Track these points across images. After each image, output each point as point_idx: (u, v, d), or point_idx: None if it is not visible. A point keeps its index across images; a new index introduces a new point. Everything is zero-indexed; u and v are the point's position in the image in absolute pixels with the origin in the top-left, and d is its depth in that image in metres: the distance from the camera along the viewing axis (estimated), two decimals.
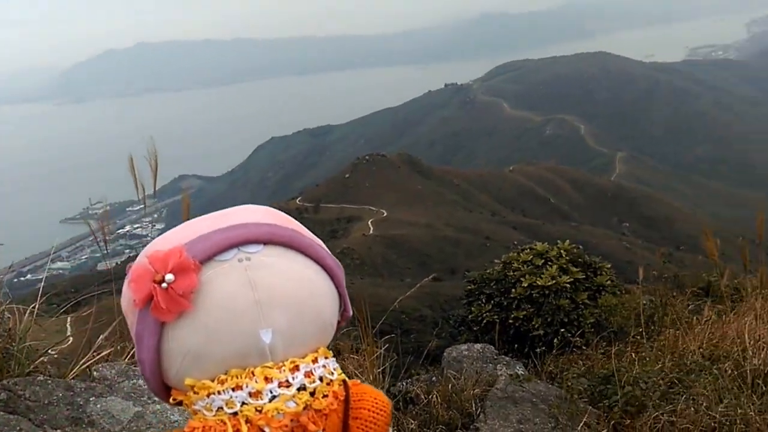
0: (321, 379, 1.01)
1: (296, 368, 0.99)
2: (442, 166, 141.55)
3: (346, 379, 1.05)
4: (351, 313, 1.15)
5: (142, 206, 3.09)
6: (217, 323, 0.95)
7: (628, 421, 2.82)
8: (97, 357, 2.85)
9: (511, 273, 5.14)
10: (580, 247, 5.45)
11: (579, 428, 2.90)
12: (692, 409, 2.60)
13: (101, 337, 3.04)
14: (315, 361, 1.02)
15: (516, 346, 4.78)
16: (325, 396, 1.00)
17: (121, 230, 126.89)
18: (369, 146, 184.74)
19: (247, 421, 0.94)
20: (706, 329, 3.92)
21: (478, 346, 4.17)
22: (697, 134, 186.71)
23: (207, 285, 0.96)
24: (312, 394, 0.99)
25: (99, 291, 4.62)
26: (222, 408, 0.96)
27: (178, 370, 0.99)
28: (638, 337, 3.89)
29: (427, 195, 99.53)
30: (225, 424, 0.94)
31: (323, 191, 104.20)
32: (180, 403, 1.02)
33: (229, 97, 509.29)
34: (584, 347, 4.14)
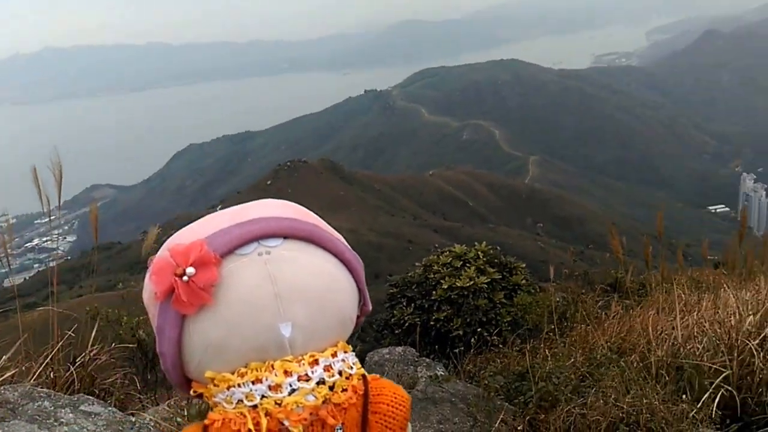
0: (340, 373, 1.02)
1: (316, 362, 1.00)
2: (364, 171, 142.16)
3: (366, 373, 1.06)
4: (370, 307, 1.15)
5: (50, 219, 2.96)
6: (238, 317, 0.96)
7: (543, 415, 2.91)
8: (0, 379, 2.70)
9: (432, 275, 5.21)
10: (497, 248, 5.59)
11: (496, 425, 2.96)
12: (601, 401, 2.70)
13: (4, 357, 2.88)
14: (334, 355, 1.02)
15: (437, 347, 4.84)
16: (344, 390, 1.01)
17: (29, 243, 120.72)
18: (291, 152, 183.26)
19: (266, 414, 0.95)
20: (614, 324, 4.10)
21: (399, 349, 4.19)
22: (604, 137, 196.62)
23: (227, 279, 0.97)
24: (331, 388, 1.00)
25: (3, 309, 4.32)
26: (242, 401, 0.97)
27: (199, 363, 1.00)
28: (551, 334, 4.02)
29: (350, 200, 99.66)
30: (245, 416, 0.95)
31: (244, 199, 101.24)
32: (200, 396, 1.03)
33: (144, 103, 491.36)
34: (501, 345, 4.24)
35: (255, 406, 0.96)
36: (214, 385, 0.99)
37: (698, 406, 2.71)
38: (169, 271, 0.95)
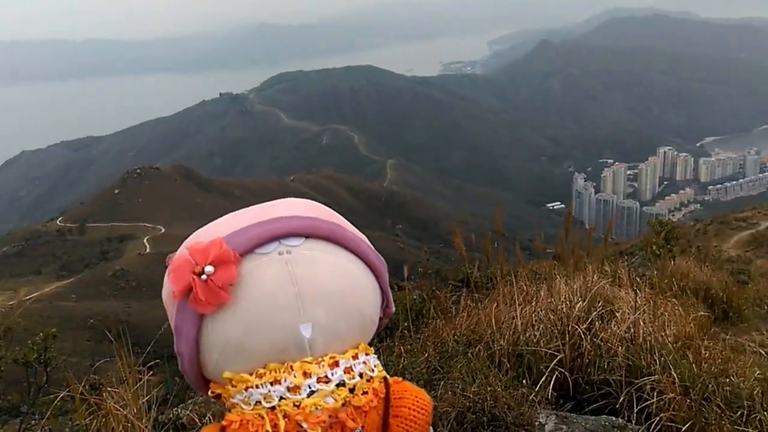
0: (361, 375, 0.99)
1: (336, 364, 0.97)
2: (222, 177, 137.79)
3: (387, 376, 1.04)
4: (393, 309, 1.13)
5: None
6: (257, 316, 0.94)
7: None
8: None
9: None
10: None
11: None
12: (450, 392, 2.84)
13: None
14: (355, 357, 1.00)
15: None
16: (364, 393, 0.98)
17: None
18: (140, 159, 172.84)
19: (284, 416, 0.93)
20: (463, 317, 4.32)
21: None
22: (453, 142, 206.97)
23: (247, 278, 0.95)
24: (351, 390, 0.97)
25: None
26: (260, 402, 0.95)
27: (217, 363, 0.98)
28: (406, 331, 4.15)
29: (208, 208, 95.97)
30: (263, 418, 0.93)
31: (89, 210, 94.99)
32: (218, 396, 1.01)
33: None
34: None
35: (273, 408, 0.94)
36: (232, 386, 0.97)
37: (536, 389, 2.93)
38: (188, 270, 0.94)
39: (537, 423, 2.74)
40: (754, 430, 2.61)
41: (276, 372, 0.95)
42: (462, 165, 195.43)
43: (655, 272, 6.60)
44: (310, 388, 0.95)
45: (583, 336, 3.19)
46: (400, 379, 1.06)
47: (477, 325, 4.04)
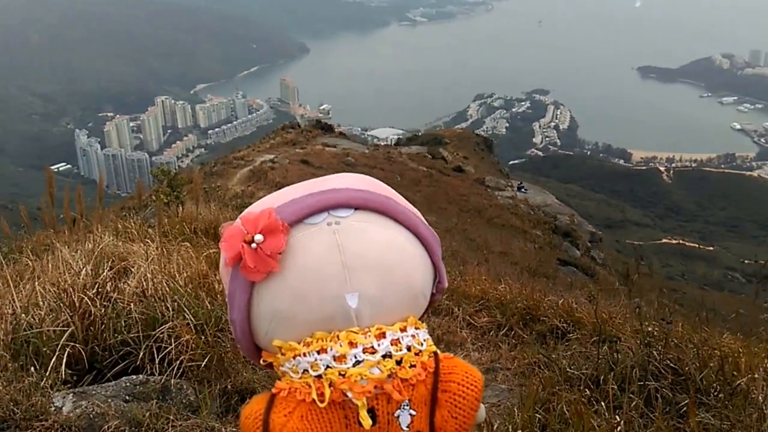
0: (409, 348, 0.99)
1: (382, 335, 0.97)
2: None
3: (438, 351, 1.03)
4: (446, 284, 1.12)
5: None
6: (304, 285, 0.95)
7: None
8: None
9: None
10: None
11: None
12: None
13: None
14: (403, 329, 1.00)
15: None
16: (412, 366, 0.98)
17: None
18: None
19: (330, 385, 0.94)
20: None
21: None
22: None
23: (295, 247, 0.96)
24: (398, 362, 0.97)
25: None
26: (307, 370, 0.96)
27: (267, 331, 0.99)
28: None
29: None
30: (309, 386, 0.94)
31: None
32: (270, 366, 1.02)
33: None
34: None
35: (319, 377, 0.95)
36: (282, 354, 0.98)
37: (47, 373, 2.61)
38: (239, 238, 0.95)
39: (53, 408, 2.46)
40: None
41: (322, 341, 0.95)
42: None
43: (166, 220, 6.69)
44: (355, 357, 0.95)
45: (91, 302, 2.97)
46: (451, 355, 1.05)
47: None
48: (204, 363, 2.66)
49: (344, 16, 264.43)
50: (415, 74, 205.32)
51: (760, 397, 2.50)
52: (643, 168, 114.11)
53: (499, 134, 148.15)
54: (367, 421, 0.94)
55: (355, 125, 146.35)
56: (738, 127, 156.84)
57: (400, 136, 66.57)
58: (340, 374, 0.94)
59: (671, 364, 2.86)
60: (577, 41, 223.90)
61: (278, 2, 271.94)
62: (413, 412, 0.98)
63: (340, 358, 0.95)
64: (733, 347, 3.07)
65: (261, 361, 1.05)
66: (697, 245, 63.67)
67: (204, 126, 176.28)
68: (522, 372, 3.52)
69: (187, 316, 2.88)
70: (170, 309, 2.94)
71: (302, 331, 0.97)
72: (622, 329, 3.53)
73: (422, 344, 1.01)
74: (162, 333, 2.82)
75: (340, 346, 0.95)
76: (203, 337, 2.78)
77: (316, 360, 0.95)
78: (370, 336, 0.96)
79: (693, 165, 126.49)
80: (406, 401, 0.98)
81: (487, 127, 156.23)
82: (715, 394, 2.67)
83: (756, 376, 2.66)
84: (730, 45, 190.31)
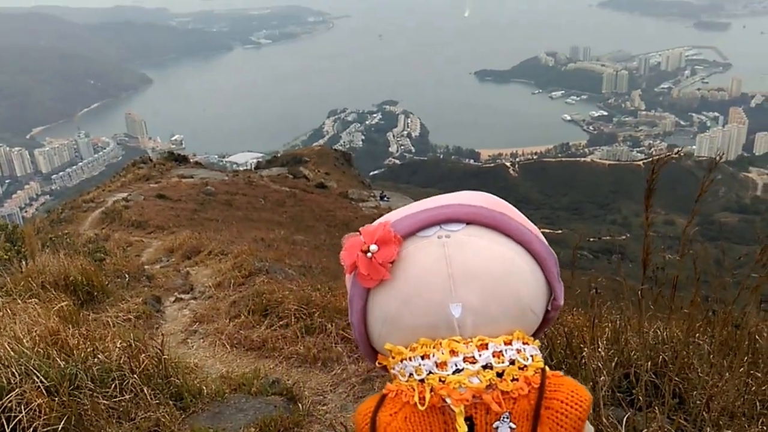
0: (513, 362, 1.00)
1: (484, 346, 0.99)
2: None
3: (546, 368, 1.04)
4: (561, 302, 1.14)
5: None
6: (411, 293, 1.00)
7: None
8: None
9: None
10: None
11: None
12: None
13: None
14: (508, 342, 1.02)
15: None
16: (514, 379, 0.99)
17: None
18: None
19: (431, 390, 0.97)
20: None
21: None
22: None
23: (406, 258, 1.02)
24: (500, 375, 0.99)
25: None
26: (413, 374, 1.00)
27: (380, 335, 1.06)
28: None
29: None
30: (413, 389, 0.99)
31: None
32: (385, 368, 1.08)
33: None
34: None
35: (422, 381, 0.99)
36: (392, 357, 1.04)
37: None
38: (357, 248, 1.03)
39: None
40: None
41: (426, 347, 0.99)
42: None
43: (8, 278, 6.13)
44: (456, 365, 0.97)
45: None
46: (561, 373, 1.05)
47: None
48: (61, 425, 2.48)
49: (185, 44, 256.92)
50: (266, 96, 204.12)
51: (592, 366, 2.73)
52: (492, 165, 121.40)
53: (356, 147, 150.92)
54: (463, 428, 0.96)
55: (212, 153, 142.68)
56: (568, 118, 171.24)
57: (260, 160, 65.62)
58: (440, 380, 0.97)
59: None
60: (417, 52, 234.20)
61: (114, 36, 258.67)
62: (513, 426, 0.99)
63: (442, 365, 0.98)
64: (579, 322, 3.36)
65: (377, 363, 1.11)
66: (547, 230, 68.83)
67: (46, 171, 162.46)
68: None
69: (37, 378, 2.67)
70: (17, 374, 2.71)
71: (409, 336, 1.01)
72: None
73: (528, 359, 1.02)
74: (10, 401, 2.59)
75: (442, 353, 0.98)
76: (57, 399, 2.59)
77: (420, 365, 0.99)
78: (471, 346, 0.99)
79: (534, 157, 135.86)
80: (506, 414, 0.99)
81: (344, 142, 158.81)
82: (564, 368, 2.91)
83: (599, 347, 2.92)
84: (552, 43, 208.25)
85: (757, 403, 2.47)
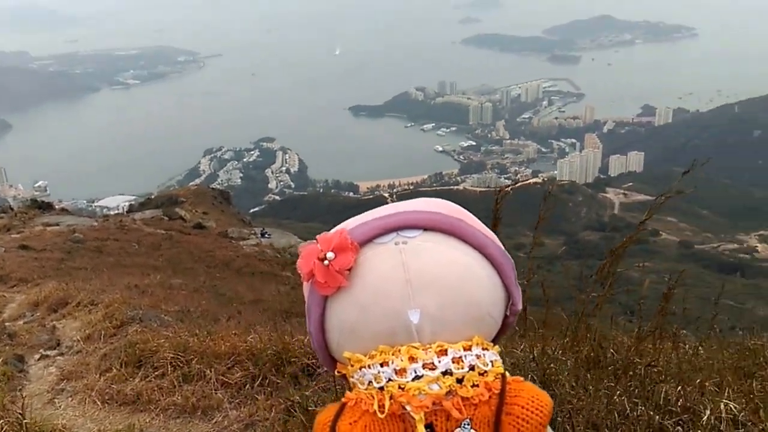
0: (472, 368, 0.99)
1: (444, 352, 0.98)
2: None
3: (506, 373, 1.02)
4: (520, 307, 1.13)
5: None
6: (369, 300, 0.99)
7: None
8: None
9: None
10: None
11: None
12: None
13: None
14: (467, 348, 1.00)
15: None
16: (474, 386, 0.98)
17: None
18: None
19: (390, 397, 0.96)
20: None
21: None
22: None
23: (363, 264, 1.01)
24: (460, 381, 0.97)
25: None
26: (372, 382, 0.99)
27: (338, 343, 1.05)
28: None
29: None
30: (372, 397, 0.97)
31: None
32: (344, 377, 1.06)
33: None
34: None
35: (382, 388, 0.98)
36: (351, 365, 1.02)
37: None
38: (314, 255, 1.01)
39: None
40: None
41: (385, 354, 0.98)
42: None
43: None
44: (415, 372, 0.96)
45: None
46: (522, 378, 1.04)
47: None
48: None
49: (47, 87, 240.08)
50: (137, 137, 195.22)
51: None
52: (371, 197, 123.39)
53: (235, 185, 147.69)
54: None
55: (80, 198, 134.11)
56: (440, 149, 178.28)
57: (133, 203, 62.25)
58: (399, 387, 0.96)
59: None
60: (291, 89, 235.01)
61: None
62: None
63: (401, 372, 0.97)
64: None
65: (336, 372, 1.09)
66: None
67: None
68: (280, 418, 3.56)
69: None
70: None
71: (368, 344, 1.00)
72: None
73: (488, 364, 1.01)
74: None
75: (401, 360, 0.97)
76: None
77: (379, 372, 0.98)
78: (430, 352, 0.98)
79: (411, 187, 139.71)
80: (467, 420, 0.97)
81: (222, 180, 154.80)
82: None
83: None
84: (421, 79, 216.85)
85: (616, 415, 2.60)
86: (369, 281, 1.00)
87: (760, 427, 2.51)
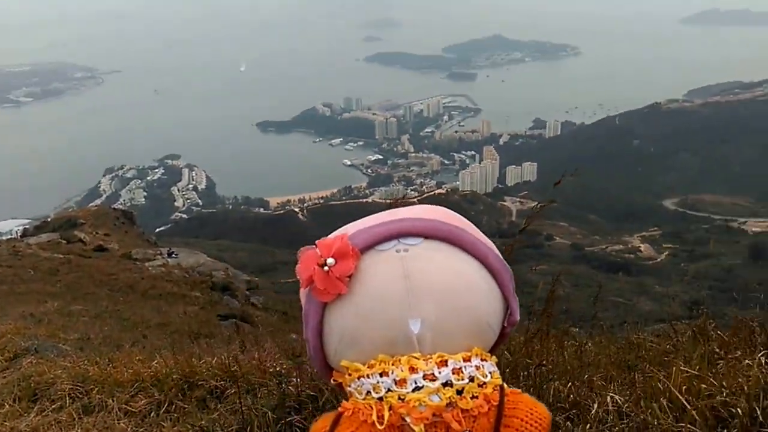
0: (472, 379, 0.98)
1: (444, 363, 0.97)
2: None
3: (504, 385, 1.01)
4: (518, 317, 1.11)
5: None
6: (369, 308, 0.97)
7: None
8: None
9: None
10: None
11: None
12: None
13: None
14: (467, 359, 0.99)
15: None
16: (474, 397, 0.97)
17: None
18: None
19: (389, 408, 0.94)
20: None
21: None
22: None
23: (364, 271, 0.99)
24: (459, 392, 0.96)
25: None
26: (370, 392, 0.97)
27: (336, 351, 1.02)
28: None
29: None
30: (371, 408, 0.95)
31: None
32: (340, 386, 1.05)
33: None
34: None
35: (381, 399, 0.96)
36: (348, 375, 1.01)
37: None
38: (313, 261, 0.99)
39: None
40: None
41: (385, 364, 0.97)
42: None
43: None
44: (415, 383, 0.95)
45: None
46: (519, 390, 1.03)
47: None
48: None
49: None
50: (31, 157, 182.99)
51: None
52: (282, 212, 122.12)
53: (138, 204, 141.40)
54: None
55: None
56: (348, 163, 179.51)
57: (27, 226, 58.22)
58: (399, 398, 0.94)
59: (310, 393, 3.10)
60: (195, 106, 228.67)
61: None
62: None
63: (401, 383, 0.95)
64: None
65: (331, 381, 1.07)
66: None
67: None
68: None
69: None
70: None
71: (367, 353, 0.98)
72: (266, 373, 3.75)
73: (487, 376, 0.99)
74: None
75: (401, 370, 0.95)
76: None
77: (378, 382, 0.96)
78: (431, 363, 0.96)
79: (321, 201, 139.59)
80: None
81: (124, 200, 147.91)
82: None
83: None
84: (327, 95, 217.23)
85: None
86: (370, 289, 0.98)
87: (642, 417, 2.71)
